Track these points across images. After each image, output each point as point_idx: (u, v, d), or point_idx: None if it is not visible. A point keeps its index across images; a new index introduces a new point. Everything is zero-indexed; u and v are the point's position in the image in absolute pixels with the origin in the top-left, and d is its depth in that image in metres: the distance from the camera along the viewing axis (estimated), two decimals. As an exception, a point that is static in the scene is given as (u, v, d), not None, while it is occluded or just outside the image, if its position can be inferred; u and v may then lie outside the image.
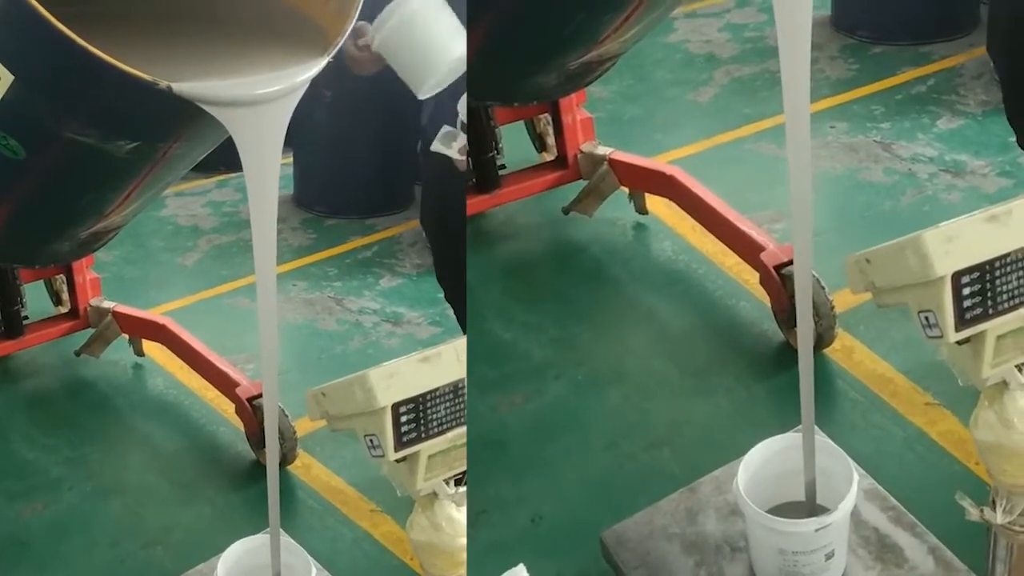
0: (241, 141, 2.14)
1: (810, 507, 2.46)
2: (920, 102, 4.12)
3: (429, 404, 1.87)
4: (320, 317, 4.04)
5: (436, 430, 1.89)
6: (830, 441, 2.55)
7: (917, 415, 3.04)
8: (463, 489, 2.02)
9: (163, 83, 2.15)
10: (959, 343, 1.65)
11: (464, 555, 2.07)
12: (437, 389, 1.89)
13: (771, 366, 3.30)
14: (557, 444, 3.10)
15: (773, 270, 3.31)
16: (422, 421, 1.87)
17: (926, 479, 2.83)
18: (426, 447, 1.90)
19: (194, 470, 3.54)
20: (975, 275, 1.60)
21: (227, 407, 3.62)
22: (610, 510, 2.75)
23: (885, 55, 4.38)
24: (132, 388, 3.90)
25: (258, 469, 3.40)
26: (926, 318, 1.63)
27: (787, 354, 3.24)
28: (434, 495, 2.02)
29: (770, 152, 3.97)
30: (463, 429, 1.91)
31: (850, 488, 2.41)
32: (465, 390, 1.88)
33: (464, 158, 3.03)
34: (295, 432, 3.41)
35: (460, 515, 2.04)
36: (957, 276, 1.60)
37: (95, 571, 3.23)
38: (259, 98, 2.17)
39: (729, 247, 3.50)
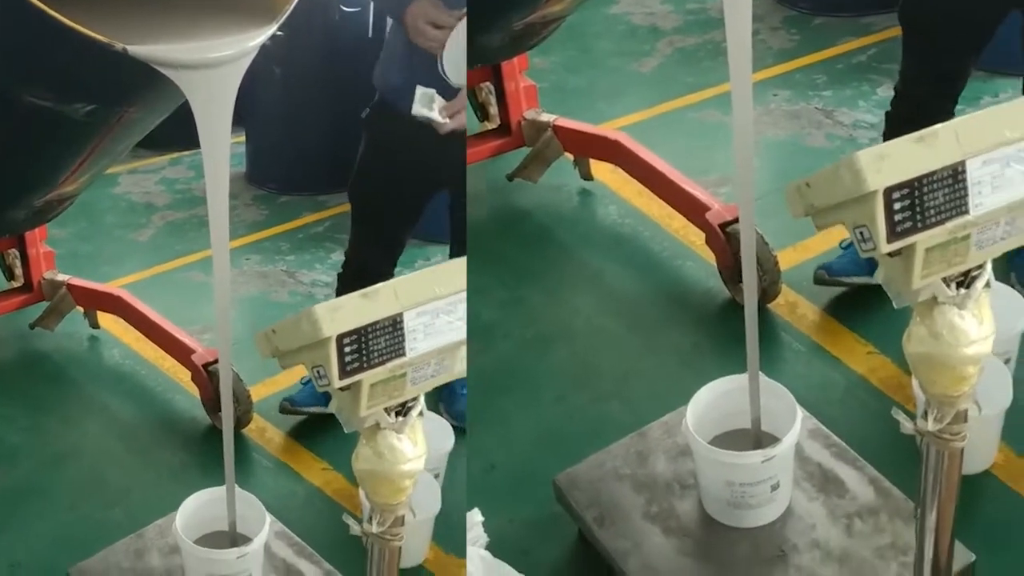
0: (195, 102, 2.23)
1: (756, 441, 2.53)
2: (861, 71, 4.21)
3: (370, 336, 1.99)
4: (273, 289, 4.09)
5: (377, 360, 2.01)
6: (774, 381, 2.62)
7: (859, 363, 3.12)
8: (403, 419, 2.12)
9: (119, 45, 2.21)
10: (891, 255, 1.72)
11: (406, 482, 2.16)
12: (377, 322, 2.00)
13: (717, 322, 3.36)
14: (507, 398, 3.15)
15: (718, 228, 3.39)
16: (364, 352, 1.98)
17: (868, 421, 2.90)
18: (368, 376, 2.01)
19: (151, 436, 3.57)
20: (905, 191, 1.68)
21: (183, 376, 3.66)
22: (561, 459, 2.80)
23: (826, 26, 4.45)
24: (88, 359, 3.92)
25: (214, 434, 3.43)
26: (861, 233, 1.70)
27: (733, 310, 3.31)
28: (377, 426, 2.11)
29: (714, 119, 4.03)
30: (402, 360, 2.02)
31: (794, 423, 2.49)
32: (403, 324, 1.99)
33: (446, 120, 3.04)
34: (250, 396, 3.45)
35: (401, 444, 2.13)
36: (888, 192, 1.67)
37: (55, 533, 3.25)
38: (211, 61, 2.24)
39: (675, 208, 3.57)
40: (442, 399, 3.36)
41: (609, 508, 2.59)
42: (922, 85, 3.04)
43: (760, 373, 2.57)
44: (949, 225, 1.72)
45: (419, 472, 2.18)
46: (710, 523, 2.53)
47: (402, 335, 2.02)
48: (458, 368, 2.17)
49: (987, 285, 1.81)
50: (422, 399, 2.16)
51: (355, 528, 2.25)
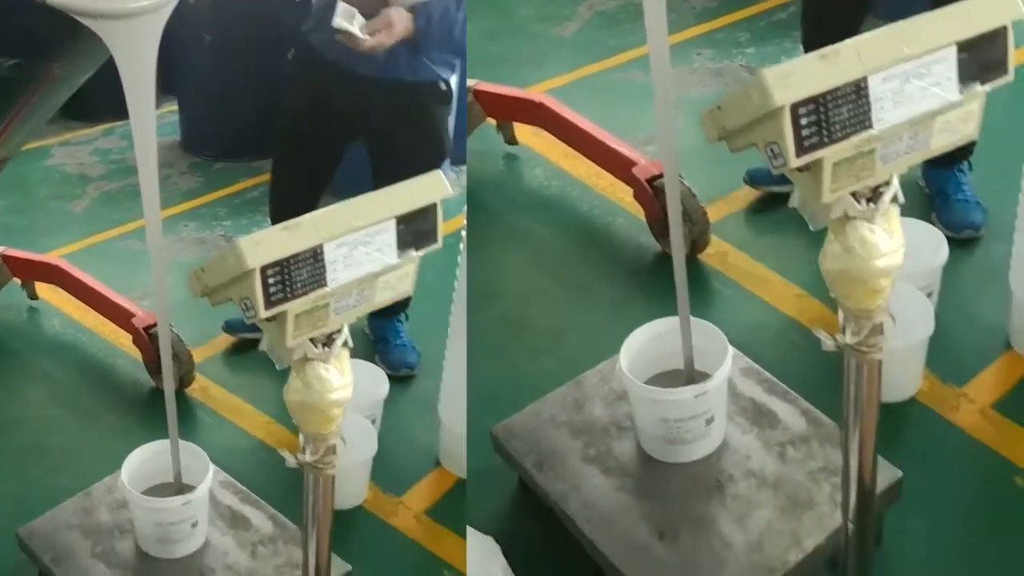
0: (117, 54, 2.24)
1: (689, 379, 2.58)
2: (783, 28, 4.27)
3: (292, 267, 2.04)
4: (212, 254, 4.10)
5: (300, 291, 2.06)
6: (705, 321, 2.67)
7: (789, 306, 3.18)
8: (328, 349, 2.18)
9: None
10: (801, 171, 1.76)
11: (335, 411, 2.22)
12: (298, 254, 2.05)
13: (649, 274, 3.41)
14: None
15: (646, 183, 3.44)
16: (287, 283, 2.04)
17: (799, 359, 2.96)
18: (292, 307, 2.07)
19: (95, 400, 3.59)
20: (810, 107, 1.72)
21: (124, 341, 3.67)
22: (497, 413, 2.83)
23: (749, -16, 4.52)
24: (28, 330, 3.93)
25: (158, 395, 3.41)
26: (772, 150, 1.74)
27: (664, 263, 3.34)
28: (305, 358, 2.17)
29: (638, 80, 4.07)
30: (324, 290, 2.08)
31: (725, 359, 2.54)
32: (323, 256, 2.07)
33: (366, 37, 3.07)
34: (191, 356, 3.51)
35: (328, 374, 2.19)
36: (795, 107, 1.71)
37: (2, 500, 3.24)
38: (131, 11, 2.25)
39: (602, 166, 3.62)
40: (378, 350, 3.46)
41: (548, 454, 2.63)
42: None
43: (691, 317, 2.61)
44: (854, 140, 1.76)
45: (347, 400, 2.22)
46: (648, 461, 2.58)
47: (323, 266, 2.06)
48: (378, 298, 2.21)
49: (894, 200, 1.86)
50: (346, 329, 2.20)
51: (291, 461, 2.31)
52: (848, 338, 1.91)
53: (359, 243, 2.11)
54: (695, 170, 3.39)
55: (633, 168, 3.47)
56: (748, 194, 3.61)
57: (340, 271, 2.09)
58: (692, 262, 3.29)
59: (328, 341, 2.17)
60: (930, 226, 3.05)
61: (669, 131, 2.42)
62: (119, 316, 3.63)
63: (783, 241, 3.45)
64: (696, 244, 3.37)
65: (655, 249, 3.46)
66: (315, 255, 2.05)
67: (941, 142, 1.85)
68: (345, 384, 2.20)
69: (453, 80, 3.36)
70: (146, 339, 3.54)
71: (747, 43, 4.23)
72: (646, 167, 3.45)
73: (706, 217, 3.38)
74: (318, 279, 2.06)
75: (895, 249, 1.86)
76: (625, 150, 3.53)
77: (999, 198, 3.11)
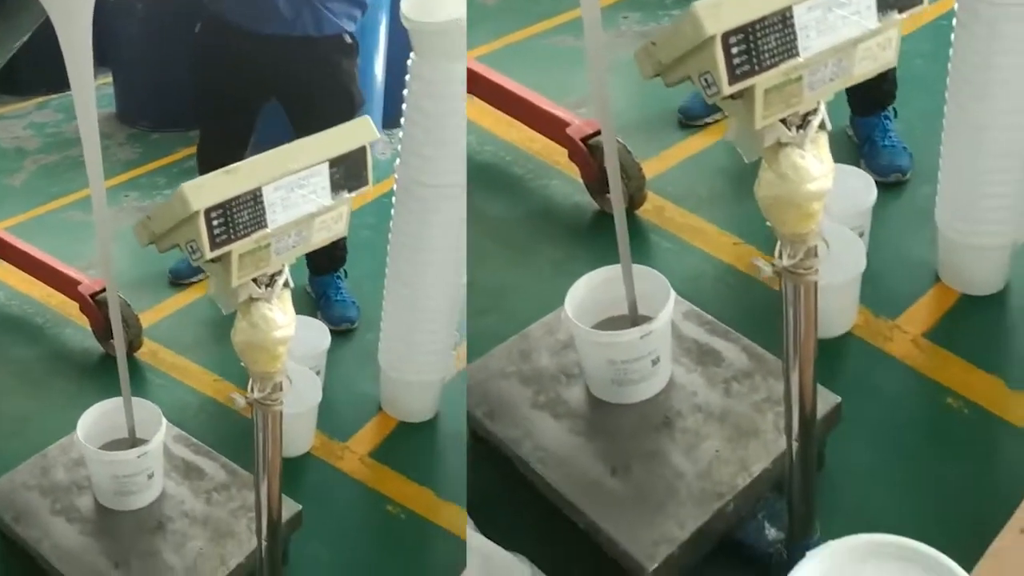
0: (53, 13, 2.27)
1: (633, 322, 2.64)
2: (707, -11, 4.33)
3: (234, 209, 2.15)
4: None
5: (242, 232, 2.17)
6: (646, 266, 2.73)
7: (726, 254, 3.25)
8: (271, 289, 2.29)
9: None
10: (734, 98, 1.83)
11: (280, 349, 2.32)
12: (239, 196, 2.16)
13: (588, 232, 3.47)
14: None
15: (580, 142, 3.50)
16: (230, 224, 2.14)
17: (738, 301, 3.04)
18: (235, 247, 2.17)
19: (45, 369, 3.59)
20: (740, 36, 1.79)
21: (72, 310, 3.70)
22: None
23: (670, -53, 4.58)
24: (-27, 305, 3.93)
25: (108, 361, 3.50)
26: (705, 80, 1.82)
27: (602, 221, 3.41)
28: (250, 300, 2.27)
29: (566, 44, 4.13)
30: (265, 231, 2.20)
31: (668, 300, 2.61)
32: (263, 198, 2.17)
33: None
34: (139, 321, 3.55)
35: (272, 313, 2.29)
36: (726, 36, 1.79)
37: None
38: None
39: (535, 129, 3.66)
40: (320, 307, 3.57)
41: (498, 403, 2.68)
42: None
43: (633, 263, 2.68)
44: (783, 67, 1.83)
45: (290, 338, 2.33)
46: (598, 404, 2.63)
47: (262, 208, 2.17)
48: (315, 239, 2.31)
49: (822, 126, 1.93)
50: (286, 270, 2.30)
51: (240, 401, 2.41)
52: (784, 261, 1.99)
53: (295, 186, 2.22)
54: (627, 132, 3.47)
55: (567, 128, 3.52)
56: (681, 151, 3.68)
57: (279, 213, 2.20)
58: (630, 218, 3.33)
59: (270, 282, 2.28)
60: (859, 170, 3.14)
61: (602, 85, 2.48)
62: (65, 285, 3.65)
63: (717, 193, 3.53)
64: (633, 200, 3.42)
65: (593, 208, 3.52)
66: (255, 198, 2.16)
67: (863, 69, 1.93)
68: (288, 322, 2.31)
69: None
70: (93, 306, 3.58)
71: (672, 5, 4.28)
72: (580, 127, 3.51)
73: (642, 173, 3.44)
74: (259, 220, 2.17)
75: (825, 173, 1.94)
76: (558, 111, 3.58)
77: (924, 144, 3.19)
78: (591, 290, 2.72)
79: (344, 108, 3.40)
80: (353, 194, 2.32)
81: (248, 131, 3.53)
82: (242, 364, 2.37)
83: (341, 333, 3.49)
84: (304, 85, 3.43)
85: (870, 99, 3.36)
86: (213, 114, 3.59)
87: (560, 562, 2.46)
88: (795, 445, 2.20)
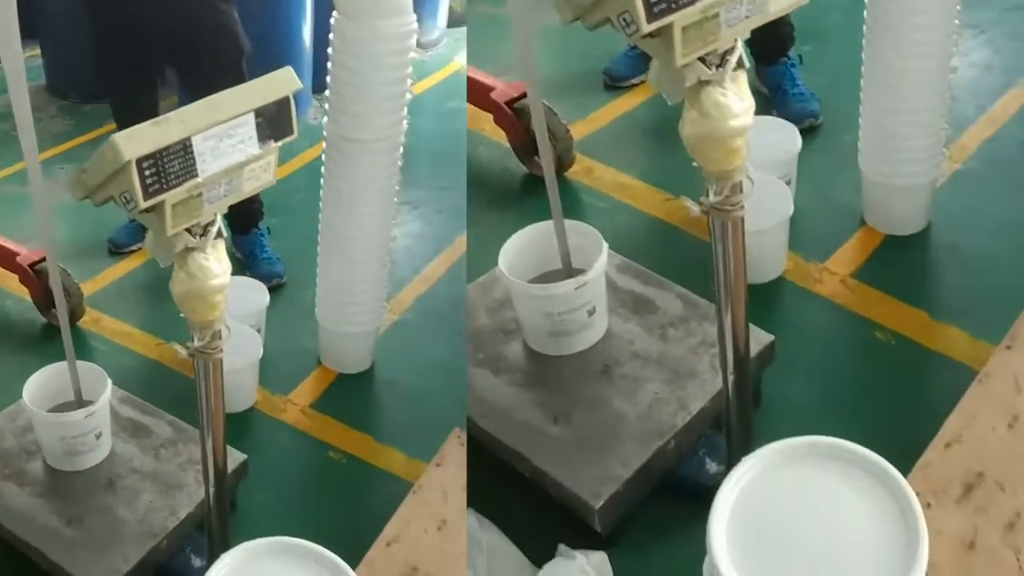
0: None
1: (567, 275, 2.68)
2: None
3: (165, 159, 2.18)
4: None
5: (175, 182, 2.20)
6: (578, 221, 2.77)
7: (657, 210, 3.30)
8: (205, 238, 2.33)
9: None
10: (653, 37, 1.87)
11: (217, 297, 2.37)
12: (169, 146, 2.19)
13: (519, 196, 3.51)
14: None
15: (505, 105, 3.53)
16: (161, 174, 2.18)
17: (671, 254, 3.09)
18: (169, 197, 2.21)
19: (-13, 341, 3.61)
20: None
21: (11, 283, 3.71)
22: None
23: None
24: (-92, 283, 3.90)
25: (50, 330, 3.54)
26: (624, 19, 1.85)
27: (532, 184, 3.45)
28: (186, 250, 2.32)
29: (485, 11, 4.14)
30: (196, 180, 2.24)
31: (601, 252, 2.65)
32: (192, 148, 2.22)
33: None
34: (80, 290, 3.58)
35: (208, 263, 2.34)
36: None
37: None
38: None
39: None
40: (248, 266, 3.66)
41: (439, 365, 2.72)
42: None
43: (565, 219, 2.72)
44: (699, 4, 1.87)
45: (226, 286, 2.37)
46: (536, 357, 2.68)
47: (193, 158, 2.21)
48: (246, 187, 2.35)
49: (740, 64, 1.97)
50: (219, 219, 2.34)
51: (181, 351, 2.45)
52: (712, 199, 2.03)
53: (223, 135, 2.25)
54: (553, 95, 3.51)
55: (492, 93, 3.55)
56: (608, 112, 3.73)
57: (209, 162, 2.24)
58: (560, 180, 3.39)
59: (204, 232, 2.32)
60: (783, 121, 3.20)
61: (527, 48, 2.51)
62: (3, 257, 3.65)
63: (645, 152, 3.58)
64: (562, 161, 3.46)
65: (522, 171, 3.56)
66: (185, 147, 2.20)
67: (779, 5, 1.97)
68: (224, 271, 2.36)
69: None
70: (33, 276, 3.59)
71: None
72: (504, 91, 3.54)
73: (569, 134, 3.48)
74: (190, 170, 2.21)
75: (746, 110, 1.98)
76: (481, 76, 3.61)
77: (844, 94, 3.25)
78: (524, 247, 2.76)
79: (232, 52, 3.46)
80: (279, 143, 2.36)
81: (151, 86, 3.62)
82: (182, 315, 2.41)
83: (279, 291, 3.58)
84: (194, 38, 3.49)
85: (772, 45, 3.43)
86: (111, 72, 3.67)
87: (510, 515, 2.49)
88: (731, 381, 2.25)
